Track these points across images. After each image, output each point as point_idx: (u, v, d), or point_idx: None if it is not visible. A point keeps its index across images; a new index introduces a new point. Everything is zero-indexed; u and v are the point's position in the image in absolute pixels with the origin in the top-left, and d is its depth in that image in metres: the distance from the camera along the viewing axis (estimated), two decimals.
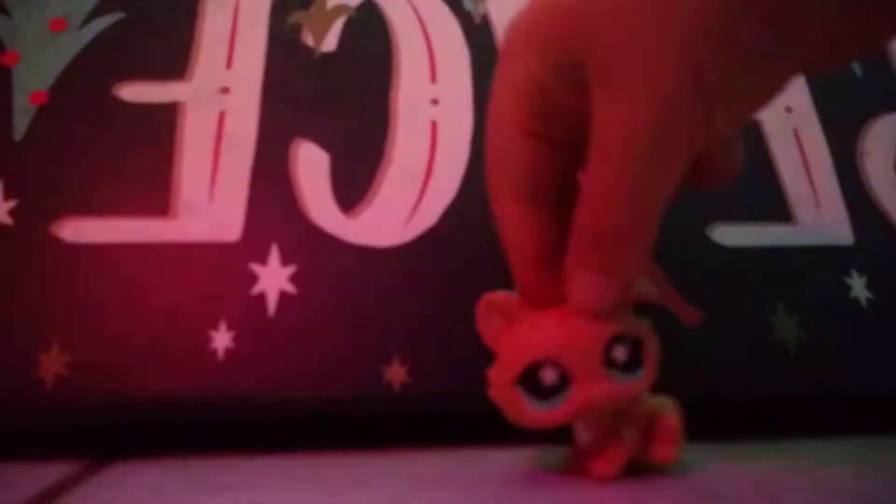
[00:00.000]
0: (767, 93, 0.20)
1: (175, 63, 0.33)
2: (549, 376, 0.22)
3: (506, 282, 0.30)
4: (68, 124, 0.32)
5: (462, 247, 0.31)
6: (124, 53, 0.33)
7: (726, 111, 0.19)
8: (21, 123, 0.32)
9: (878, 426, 0.29)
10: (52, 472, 0.26)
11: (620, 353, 0.22)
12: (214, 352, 0.28)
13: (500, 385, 0.23)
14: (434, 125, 0.33)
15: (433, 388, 0.29)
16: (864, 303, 0.31)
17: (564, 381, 0.22)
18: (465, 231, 0.31)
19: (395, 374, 0.29)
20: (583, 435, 0.24)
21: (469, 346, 0.29)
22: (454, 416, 0.29)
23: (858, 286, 0.32)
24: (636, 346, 0.23)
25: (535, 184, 0.23)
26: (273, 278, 0.30)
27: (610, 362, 0.22)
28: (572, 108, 0.21)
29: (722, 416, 0.29)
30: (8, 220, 0.30)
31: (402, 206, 0.31)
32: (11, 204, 0.30)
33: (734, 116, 0.20)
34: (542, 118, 0.22)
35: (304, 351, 0.29)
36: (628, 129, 0.20)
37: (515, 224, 0.23)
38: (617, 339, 0.22)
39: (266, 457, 0.28)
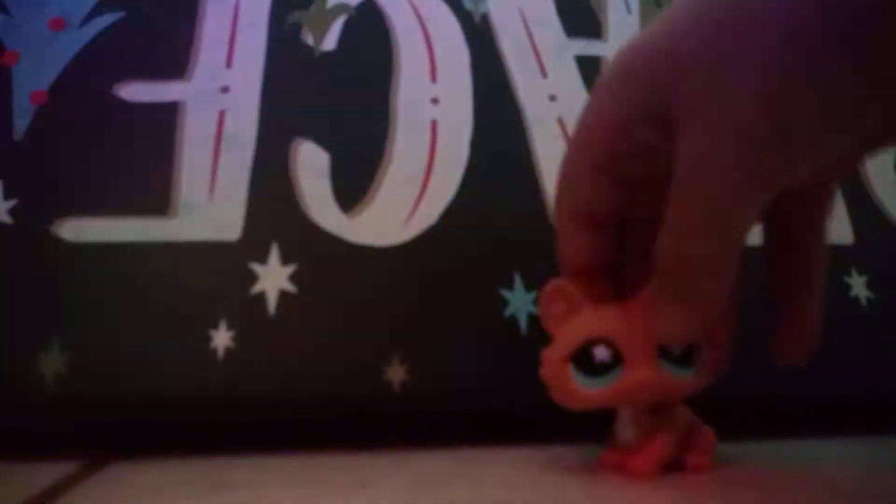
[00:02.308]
0: (850, 142, 0.20)
1: (175, 62, 0.33)
2: (601, 353, 0.23)
3: (506, 281, 0.30)
4: (68, 124, 0.32)
5: (462, 246, 0.31)
6: (124, 53, 0.33)
7: (807, 152, 0.19)
8: (21, 123, 0.32)
9: (878, 426, 0.29)
10: (52, 472, 0.26)
11: (676, 346, 0.23)
12: (214, 352, 0.28)
13: (553, 361, 0.24)
14: (434, 124, 0.33)
15: (433, 388, 0.29)
16: (864, 302, 0.31)
17: (616, 362, 0.23)
18: (465, 230, 0.31)
19: (395, 374, 0.29)
20: (625, 431, 0.25)
21: (469, 345, 0.30)
22: (454, 415, 0.29)
23: (858, 285, 0.32)
24: (691, 346, 0.23)
25: (594, 212, 0.24)
26: (273, 278, 0.30)
27: (663, 352, 0.23)
28: (649, 147, 0.22)
29: (722, 416, 0.29)
30: (8, 220, 0.30)
31: (402, 205, 0.31)
32: (11, 203, 0.30)
33: (815, 159, 0.20)
34: (617, 158, 0.23)
35: (304, 351, 0.29)
36: (710, 160, 0.20)
37: (568, 238, 0.25)
38: None
39: (266, 457, 0.28)
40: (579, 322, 0.24)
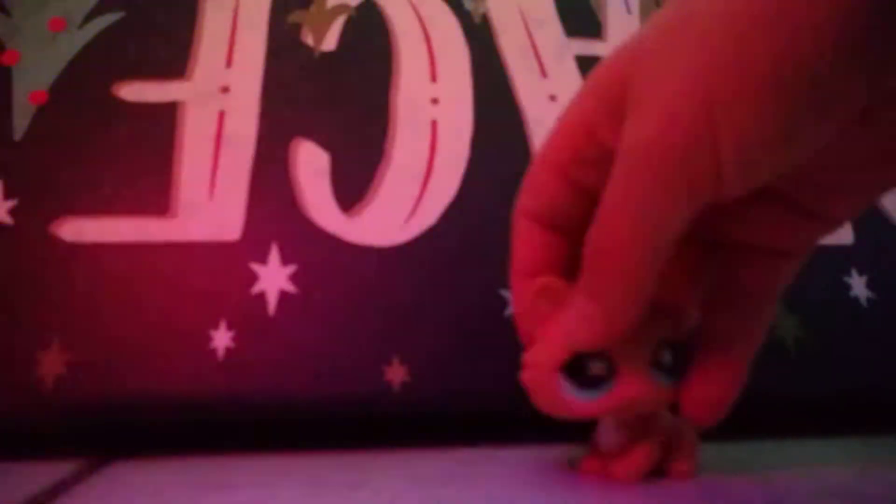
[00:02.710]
0: (791, 148, 0.19)
1: (175, 62, 0.33)
2: (597, 367, 0.22)
3: (506, 281, 0.30)
4: (68, 124, 0.32)
5: (462, 246, 0.31)
6: (124, 53, 0.33)
7: (736, 152, 0.19)
8: (21, 123, 0.31)
9: (878, 426, 0.29)
10: (52, 472, 0.26)
11: (666, 356, 0.22)
12: (214, 351, 0.28)
13: (540, 369, 0.23)
14: (434, 124, 0.33)
15: (433, 388, 0.29)
16: (864, 302, 0.31)
17: (609, 374, 0.22)
18: (465, 230, 0.31)
19: (395, 374, 0.29)
20: (608, 436, 0.24)
21: (469, 345, 0.30)
22: (454, 415, 0.29)
23: (858, 285, 0.32)
24: (680, 352, 0.23)
25: (550, 212, 0.24)
26: (273, 278, 0.30)
27: (656, 363, 0.22)
28: (611, 149, 0.21)
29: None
30: (8, 220, 0.30)
31: (402, 205, 0.31)
32: (11, 203, 0.30)
33: (746, 165, 0.19)
34: (580, 163, 0.23)
35: (304, 351, 0.29)
36: (634, 141, 0.20)
37: (516, 235, 0.25)
38: (664, 341, 0.22)
39: (266, 457, 0.28)
40: (569, 327, 0.22)
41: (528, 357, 0.23)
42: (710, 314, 0.24)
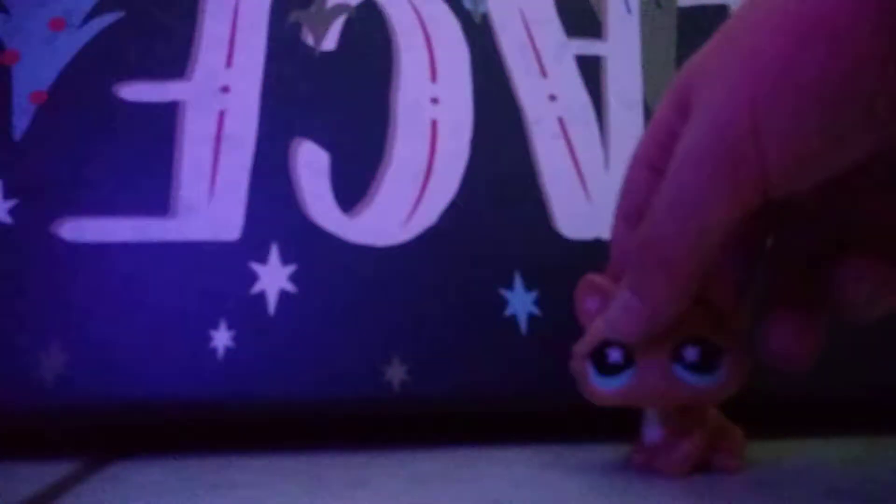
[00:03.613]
0: (835, 156, 0.20)
1: (175, 62, 0.33)
2: (613, 354, 0.23)
3: (506, 281, 0.30)
4: (68, 123, 0.32)
5: (462, 246, 0.31)
6: (124, 52, 0.33)
7: (780, 158, 0.19)
8: (21, 122, 0.31)
9: (878, 426, 0.29)
10: (52, 472, 0.26)
11: (692, 353, 0.23)
12: (214, 351, 0.29)
13: (577, 357, 0.24)
14: (434, 124, 0.33)
15: (433, 388, 0.29)
16: None
17: (629, 364, 0.23)
18: (465, 230, 0.31)
19: (395, 374, 0.29)
20: (650, 430, 0.25)
21: (469, 345, 0.30)
22: (454, 416, 0.29)
23: None
24: (713, 352, 0.23)
25: (640, 208, 0.24)
26: (273, 277, 0.30)
27: (679, 358, 0.23)
28: None
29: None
30: (8, 220, 0.30)
31: (402, 205, 0.31)
32: (11, 203, 0.30)
33: (789, 171, 0.20)
34: (665, 154, 0.23)
35: (304, 350, 0.29)
36: (686, 144, 0.21)
37: (616, 237, 0.26)
38: (692, 339, 0.23)
39: (266, 457, 0.28)
40: (603, 320, 0.24)
41: (574, 348, 0.25)
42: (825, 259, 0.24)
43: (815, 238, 0.24)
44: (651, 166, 0.24)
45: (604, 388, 0.23)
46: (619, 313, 0.23)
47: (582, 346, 0.24)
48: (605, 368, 0.23)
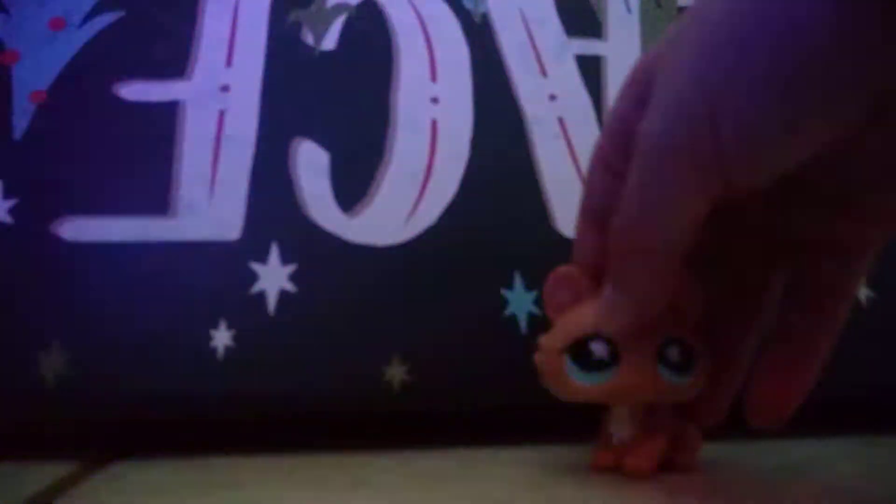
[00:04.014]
0: (793, 141, 0.19)
1: (175, 62, 0.33)
2: (599, 350, 0.23)
3: (506, 281, 0.30)
4: (68, 123, 0.32)
5: (462, 246, 0.31)
6: (124, 52, 0.33)
7: (737, 142, 0.19)
8: (21, 122, 0.31)
9: (878, 426, 0.29)
10: (52, 472, 0.26)
11: (674, 353, 0.23)
12: (214, 351, 0.29)
13: (549, 350, 0.24)
14: (434, 124, 0.33)
15: (433, 388, 0.29)
16: (864, 301, 0.31)
17: (613, 360, 0.23)
18: (465, 230, 0.31)
19: (395, 373, 0.29)
20: (619, 429, 0.24)
21: (469, 345, 0.30)
22: (454, 415, 0.29)
23: None
24: (689, 354, 0.23)
25: (603, 210, 0.24)
26: (273, 277, 0.30)
27: (662, 357, 0.23)
28: None
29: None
30: (8, 219, 0.30)
31: (402, 204, 0.31)
32: (11, 203, 0.30)
33: (748, 156, 0.19)
34: (623, 153, 0.23)
35: (303, 350, 0.29)
36: (645, 132, 0.21)
37: (578, 235, 0.25)
38: (673, 339, 0.23)
39: (266, 457, 0.28)
40: (581, 313, 0.23)
41: (541, 340, 0.24)
42: (784, 315, 0.24)
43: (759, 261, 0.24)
44: (607, 167, 0.24)
45: (584, 384, 0.23)
46: (605, 309, 0.23)
47: (554, 340, 0.24)
48: (588, 364, 0.23)
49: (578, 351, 0.23)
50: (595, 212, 0.24)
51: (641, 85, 0.22)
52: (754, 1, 0.18)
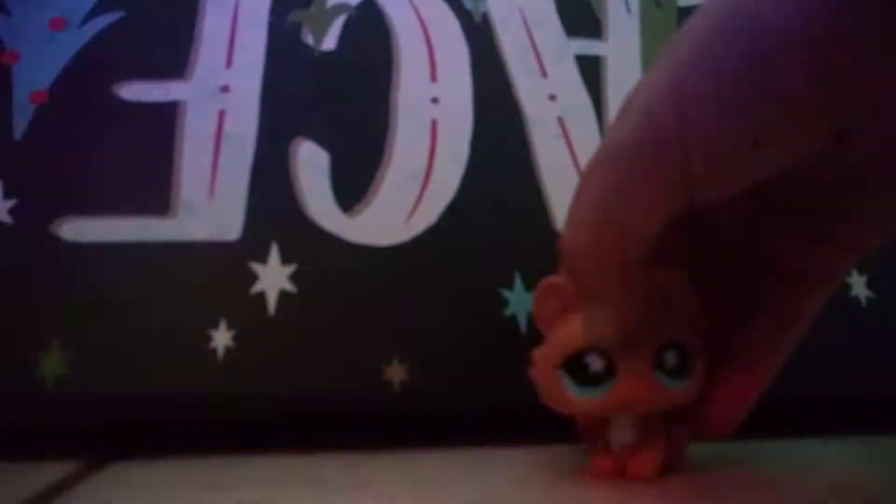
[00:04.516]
0: (760, 156, 0.19)
1: (175, 62, 0.33)
2: (595, 363, 0.22)
3: (506, 281, 0.30)
4: (68, 123, 0.32)
5: (462, 246, 0.31)
6: (124, 52, 0.33)
7: (705, 154, 0.19)
8: (21, 122, 0.32)
9: (878, 426, 0.29)
10: (52, 472, 0.26)
11: (671, 358, 0.22)
12: (214, 351, 0.29)
13: (544, 365, 0.23)
14: (434, 124, 0.33)
15: (433, 388, 0.29)
16: (864, 301, 0.31)
17: (609, 372, 0.22)
18: (465, 231, 0.31)
19: (395, 373, 0.29)
20: (621, 434, 0.24)
21: (469, 345, 0.30)
22: (454, 415, 0.29)
23: (858, 285, 0.32)
24: (686, 356, 0.23)
25: None
26: (273, 277, 0.30)
27: (659, 365, 0.22)
28: None
29: None
30: (8, 220, 0.30)
31: (402, 205, 0.31)
32: (11, 203, 0.30)
33: (715, 169, 0.19)
34: None
35: (304, 351, 0.29)
36: (605, 140, 0.20)
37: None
38: (670, 344, 0.23)
39: (266, 456, 0.28)
40: (573, 326, 0.23)
41: (535, 355, 0.24)
42: (736, 329, 0.24)
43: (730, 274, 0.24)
44: None
45: (583, 399, 0.22)
46: (589, 323, 0.22)
47: (547, 355, 0.23)
48: (584, 378, 0.22)
49: (573, 366, 0.22)
50: None
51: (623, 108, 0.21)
52: (731, 25, 0.18)
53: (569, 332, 0.23)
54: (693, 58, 0.19)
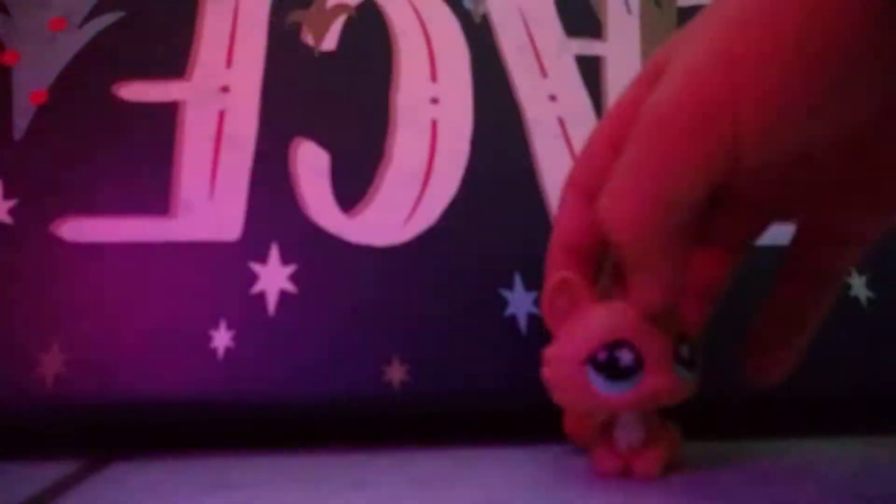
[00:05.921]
0: (813, 121, 0.18)
1: (175, 62, 0.33)
2: (626, 357, 0.22)
3: (506, 281, 0.30)
4: (68, 123, 0.32)
5: (462, 246, 0.31)
6: (124, 52, 0.33)
7: (757, 116, 0.18)
8: (21, 123, 0.32)
9: (878, 426, 0.29)
10: (52, 472, 0.26)
11: (685, 350, 0.23)
12: (214, 351, 0.28)
13: (565, 362, 0.23)
14: (434, 124, 0.33)
15: (433, 388, 0.29)
16: (864, 302, 0.31)
17: (637, 366, 0.22)
18: (466, 230, 0.31)
19: (395, 373, 0.29)
20: (629, 433, 0.24)
21: (469, 345, 0.30)
22: (454, 415, 0.29)
23: (858, 285, 0.32)
24: (694, 348, 0.23)
25: (600, 185, 0.22)
26: (273, 277, 0.30)
27: (677, 357, 0.22)
28: None
29: (722, 416, 0.29)
30: (8, 220, 0.30)
31: (402, 205, 0.31)
32: (11, 203, 0.30)
33: (766, 133, 0.18)
34: (626, 132, 0.22)
35: (304, 350, 0.29)
36: (654, 101, 0.20)
37: (564, 206, 0.25)
38: (683, 336, 0.23)
39: (266, 457, 0.28)
40: (597, 320, 0.23)
41: (551, 352, 0.23)
42: (778, 288, 0.24)
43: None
44: (613, 145, 0.23)
45: (612, 394, 0.22)
46: (636, 293, 0.22)
47: (569, 350, 0.23)
48: (615, 372, 0.22)
49: (602, 360, 0.22)
50: (592, 188, 0.23)
51: (657, 67, 0.21)
52: None
53: (591, 326, 0.22)
54: (749, 20, 0.18)
